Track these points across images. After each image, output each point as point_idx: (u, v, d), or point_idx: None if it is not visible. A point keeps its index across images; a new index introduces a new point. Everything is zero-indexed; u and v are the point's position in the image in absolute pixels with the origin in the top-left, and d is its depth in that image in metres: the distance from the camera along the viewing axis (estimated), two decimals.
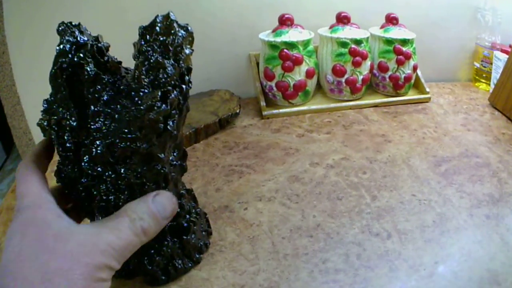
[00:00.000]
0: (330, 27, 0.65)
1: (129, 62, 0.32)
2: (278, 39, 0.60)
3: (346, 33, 0.63)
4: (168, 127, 0.28)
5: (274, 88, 0.62)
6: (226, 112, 0.59)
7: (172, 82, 0.28)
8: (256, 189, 0.47)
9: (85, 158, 0.27)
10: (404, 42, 0.65)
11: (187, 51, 0.30)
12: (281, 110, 0.63)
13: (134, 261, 0.31)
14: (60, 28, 0.27)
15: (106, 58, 0.28)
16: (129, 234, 0.24)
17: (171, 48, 0.28)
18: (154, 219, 0.26)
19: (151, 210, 0.26)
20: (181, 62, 0.29)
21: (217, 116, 0.58)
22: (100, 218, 0.28)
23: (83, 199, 0.28)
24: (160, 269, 0.32)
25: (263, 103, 0.63)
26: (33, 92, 0.63)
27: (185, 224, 0.34)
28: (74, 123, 0.26)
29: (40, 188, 0.25)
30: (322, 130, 0.59)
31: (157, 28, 0.29)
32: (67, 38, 0.26)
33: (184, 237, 0.33)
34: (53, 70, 0.26)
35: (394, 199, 0.44)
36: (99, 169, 0.27)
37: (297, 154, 0.54)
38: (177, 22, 0.30)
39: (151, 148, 0.27)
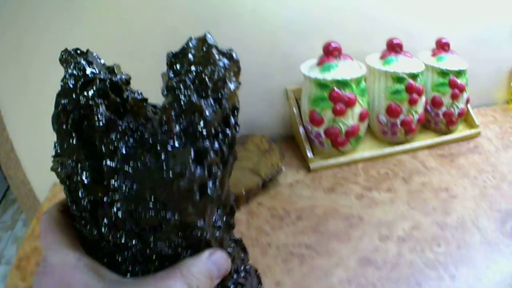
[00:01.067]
0: (382, 57, 0.55)
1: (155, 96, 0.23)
2: (328, 76, 0.50)
3: (401, 65, 0.54)
4: (208, 190, 0.21)
5: (323, 136, 0.53)
6: (270, 170, 0.49)
7: (213, 131, 0.21)
8: (325, 280, 0.39)
9: (104, 221, 0.21)
10: (459, 73, 0.57)
11: (231, 85, 0.22)
12: (330, 161, 0.53)
13: None
14: (62, 58, 0.21)
15: (126, 95, 0.22)
16: None
17: (209, 84, 0.21)
18: (210, 279, 0.23)
19: (208, 269, 0.23)
20: (223, 101, 0.22)
21: (260, 177, 0.48)
22: None
23: (105, 265, 0.22)
24: None
25: (310, 155, 0.53)
26: (28, 136, 0.51)
27: (232, 287, 0.28)
28: (87, 180, 0.21)
29: (69, 243, 0.21)
30: (382, 186, 0.51)
31: (190, 55, 0.22)
32: (70, 71, 0.21)
33: None
34: (55, 113, 0.20)
35: (472, 276, 0.40)
36: (122, 236, 0.21)
37: (362, 224, 0.45)
38: (216, 47, 0.22)
39: (185, 218, 0.21)
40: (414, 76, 0.53)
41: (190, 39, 0.22)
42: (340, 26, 0.58)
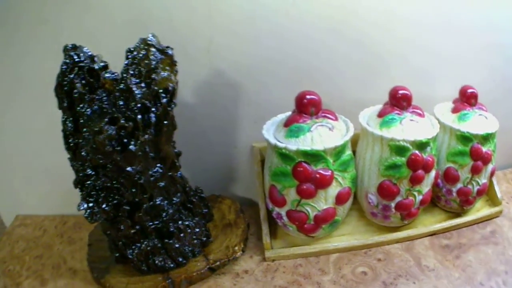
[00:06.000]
0: (380, 115, 0.41)
1: None
2: (292, 146, 0.36)
3: (405, 128, 0.39)
4: (130, 147, 0.33)
5: (285, 218, 0.40)
6: (221, 255, 0.38)
7: (139, 105, 0.33)
8: None
9: (78, 158, 0.33)
10: (486, 138, 0.42)
11: (164, 74, 0.34)
12: (293, 250, 0.41)
13: (123, 248, 0.37)
14: (63, 51, 0.32)
15: (100, 77, 0.33)
16: None
17: (143, 73, 0.33)
18: None
19: None
20: (152, 85, 0.33)
21: (207, 261, 0.38)
22: (84, 203, 0.34)
23: (79, 189, 0.34)
24: (141, 260, 0.37)
25: (267, 239, 0.40)
26: None
27: (171, 229, 0.37)
28: (71, 128, 0.33)
29: None
30: None
31: (135, 52, 0.34)
32: (64, 60, 0.32)
33: (166, 240, 0.37)
34: (55, 86, 0.32)
35: None
36: (86, 169, 0.33)
37: None
38: (155, 45, 0.33)
39: (114, 162, 0.33)
40: (421, 146, 0.39)
41: (139, 39, 0.33)
42: (317, 66, 0.44)
